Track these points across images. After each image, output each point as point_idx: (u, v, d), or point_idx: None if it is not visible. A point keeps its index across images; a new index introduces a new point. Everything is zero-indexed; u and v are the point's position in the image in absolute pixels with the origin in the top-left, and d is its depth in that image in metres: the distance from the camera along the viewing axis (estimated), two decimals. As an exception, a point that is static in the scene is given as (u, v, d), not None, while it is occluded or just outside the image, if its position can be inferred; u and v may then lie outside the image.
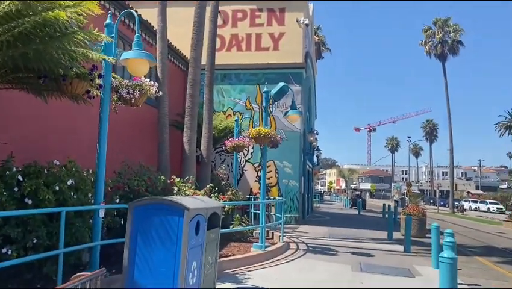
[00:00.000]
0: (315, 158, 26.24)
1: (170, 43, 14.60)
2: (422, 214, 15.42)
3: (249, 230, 10.09)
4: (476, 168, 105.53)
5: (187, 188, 8.34)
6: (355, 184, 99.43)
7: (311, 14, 20.30)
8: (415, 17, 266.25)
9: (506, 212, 45.88)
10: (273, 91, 9.60)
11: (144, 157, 11.20)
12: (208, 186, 8.41)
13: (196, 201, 4.35)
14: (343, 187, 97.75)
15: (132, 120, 11.85)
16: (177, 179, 8.21)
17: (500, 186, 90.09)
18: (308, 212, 22.58)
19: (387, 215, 23.78)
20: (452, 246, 5.60)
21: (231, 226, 10.62)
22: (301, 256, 8.99)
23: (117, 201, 7.06)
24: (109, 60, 5.54)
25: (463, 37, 39.87)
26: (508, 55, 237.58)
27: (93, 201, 5.90)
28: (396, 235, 14.18)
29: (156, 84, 6.32)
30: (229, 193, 8.46)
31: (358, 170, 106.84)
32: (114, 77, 6.08)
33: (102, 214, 5.81)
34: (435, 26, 40.29)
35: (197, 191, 8.15)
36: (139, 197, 7.46)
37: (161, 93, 6.65)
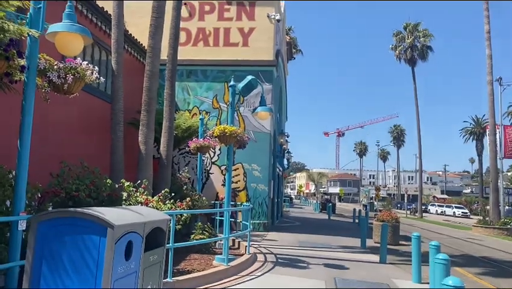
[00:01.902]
0: (285, 161, 25.46)
1: (129, 33, 13.38)
2: (396, 220, 14.79)
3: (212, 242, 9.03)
4: (440, 173, 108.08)
5: (138, 193, 7.21)
6: (324, 188, 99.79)
7: (282, 11, 19.47)
8: (386, 21, 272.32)
9: (471, 217, 46.80)
10: (240, 85, 8.62)
11: (95, 159, 9.95)
12: (163, 191, 7.31)
13: (128, 213, 3.28)
14: (313, 191, 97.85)
15: (81, 115, 10.58)
16: (126, 183, 7.07)
17: (463, 191, 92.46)
18: (278, 218, 21.69)
19: (357, 220, 23.42)
20: (446, 265, 4.75)
21: (192, 236, 9.56)
22: (269, 270, 8.00)
23: (51, 209, 5.84)
24: (33, 34, 4.41)
25: (432, 42, 40.27)
26: (473, 63, 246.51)
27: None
28: (369, 242, 13.46)
29: (96, 68, 5.19)
30: (187, 199, 7.39)
31: (327, 174, 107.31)
32: (42, 58, 4.91)
33: (22, 226, 4.64)
34: (406, 30, 40.52)
35: (150, 198, 7.03)
36: (80, 204, 6.28)
37: (102, 79, 5.52)
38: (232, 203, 14.53)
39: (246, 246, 9.54)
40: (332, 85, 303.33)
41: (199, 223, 9.81)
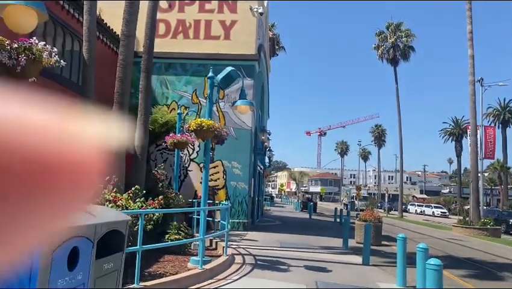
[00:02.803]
0: (266, 159, 25.02)
1: (104, 21, 12.69)
2: (378, 220, 14.52)
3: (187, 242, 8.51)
4: (419, 173, 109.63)
5: (106, 190, 6.64)
6: (306, 187, 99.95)
7: (265, 5, 19.00)
8: (370, 21, 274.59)
9: (450, 216, 47.33)
10: (219, 77, 8.11)
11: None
12: (133, 188, 6.76)
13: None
14: (294, 190, 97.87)
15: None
16: (93, 179, 6.48)
17: (442, 191, 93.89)
18: (258, 217, 21.24)
19: (338, 220, 23.19)
20: (439, 271, 4.37)
21: (167, 236, 9.02)
22: (247, 273, 7.53)
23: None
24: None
25: (414, 42, 40.44)
26: (455, 64, 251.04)
27: None
28: (351, 242, 13.13)
29: (55, 49, 4.63)
30: (160, 198, 6.85)
31: (308, 173, 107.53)
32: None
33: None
34: (388, 30, 40.57)
35: (119, 195, 6.48)
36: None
37: (63, 63, 4.95)
38: (210, 201, 14.04)
39: (224, 247, 9.07)
40: (314, 84, 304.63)
41: (175, 223, 9.28)
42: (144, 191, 7.17)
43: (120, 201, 6.31)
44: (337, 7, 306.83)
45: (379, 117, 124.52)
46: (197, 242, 7.81)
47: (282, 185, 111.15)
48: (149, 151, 14.59)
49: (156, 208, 6.66)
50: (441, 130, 64.81)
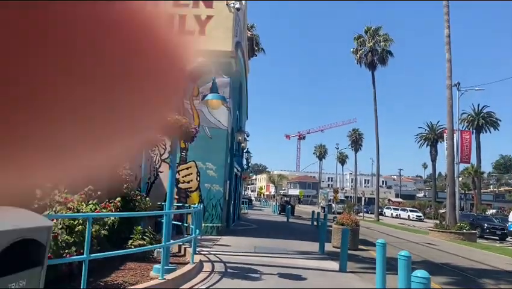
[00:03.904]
0: (244, 161, 24.43)
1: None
2: (355, 224, 14.11)
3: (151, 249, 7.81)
4: (395, 177, 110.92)
5: (57, 191, 5.92)
6: (285, 190, 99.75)
7: (243, 2, 18.44)
8: (349, 24, 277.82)
9: (425, 220, 47.75)
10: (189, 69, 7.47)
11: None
12: (86, 189, 6.06)
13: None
14: (273, 193, 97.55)
15: None
16: (41, 178, 5.75)
17: (417, 195, 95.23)
18: (234, 220, 20.60)
19: (315, 223, 22.79)
20: (427, 284, 3.86)
21: (130, 241, 8.31)
22: (215, 283, 6.89)
23: None
24: None
25: (392, 47, 40.64)
26: (430, 69, 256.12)
27: None
28: (327, 246, 12.66)
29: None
30: (117, 200, 6.15)
31: (287, 176, 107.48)
32: None
33: None
34: (367, 34, 40.66)
35: (69, 196, 5.76)
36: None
37: None
38: (180, 204, 13.35)
39: (192, 254, 8.41)
40: (294, 88, 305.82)
41: (139, 227, 8.56)
42: (99, 192, 6.46)
43: (70, 203, 5.60)
44: (317, 10, 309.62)
45: (356, 122, 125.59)
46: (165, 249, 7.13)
47: (261, 188, 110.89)
48: (117, 150, 13.80)
49: (112, 211, 5.96)
50: (417, 135, 65.71)
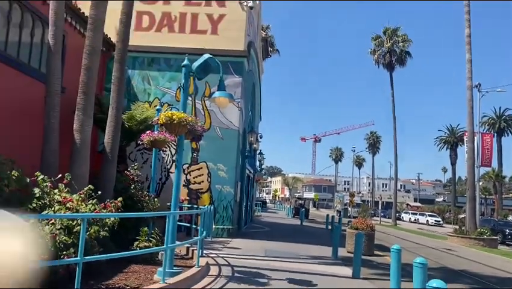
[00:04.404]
0: (257, 163, 24.15)
1: (79, 8, 11.78)
2: (371, 229, 13.66)
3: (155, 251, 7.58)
4: (414, 181, 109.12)
5: (57, 190, 5.73)
6: (300, 193, 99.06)
7: (257, 2, 18.19)
8: (367, 25, 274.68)
9: (444, 225, 46.61)
10: (195, 64, 7.24)
11: (26, 151, 8.42)
12: (85, 188, 5.84)
13: None
14: (288, 195, 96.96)
15: (12, 98, 9.01)
16: (40, 177, 5.57)
17: (436, 199, 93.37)
18: (246, 223, 20.32)
19: (330, 227, 22.32)
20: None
21: (136, 243, 8.11)
22: (220, 288, 6.61)
23: None
24: None
25: (411, 47, 39.86)
26: (450, 70, 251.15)
27: None
28: (341, 251, 12.28)
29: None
30: (117, 200, 5.90)
31: (302, 179, 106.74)
32: None
33: None
34: (385, 35, 39.98)
35: (68, 196, 5.56)
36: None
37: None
38: (189, 205, 13.13)
39: (201, 257, 8.16)
40: (310, 90, 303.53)
41: (145, 229, 8.36)
42: (99, 192, 6.24)
43: (69, 203, 5.40)
44: (335, 10, 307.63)
45: (374, 125, 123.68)
46: (167, 252, 6.88)
47: (276, 191, 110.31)
48: (128, 150, 13.70)
49: (113, 212, 5.73)
50: (436, 138, 64.48)
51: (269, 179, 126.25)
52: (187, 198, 13.87)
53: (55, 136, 7.86)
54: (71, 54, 11.15)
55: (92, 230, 5.31)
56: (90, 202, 5.55)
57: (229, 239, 13.37)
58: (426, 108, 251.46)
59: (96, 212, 5.44)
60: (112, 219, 5.55)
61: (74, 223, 5.29)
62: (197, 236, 10.93)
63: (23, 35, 9.78)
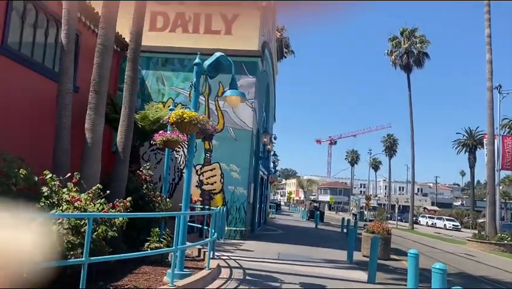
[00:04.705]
0: (271, 164, 23.95)
1: (94, 9, 11.79)
2: (387, 232, 13.33)
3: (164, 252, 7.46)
4: (431, 184, 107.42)
5: (66, 189, 5.65)
6: (315, 196, 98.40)
7: (272, 2, 18.03)
8: (384, 25, 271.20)
9: (462, 230, 45.59)
10: (207, 63, 7.12)
11: (39, 150, 8.41)
12: (94, 187, 5.75)
13: None
14: (303, 198, 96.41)
15: (25, 97, 9.02)
16: (49, 175, 5.49)
17: (454, 204, 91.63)
18: (260, 225, 20.14)
19: (346, 230, 21.96)
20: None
21: (147, 244, 8.02)
22: (230, 291, 6.46)
23: None
24: None
25: (429, 48, 39.17)
26: (469, 72, 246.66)
27: None
28: (357, 255, 12.01)
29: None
30: (126, 200, 5.78)
31: (317, 182, 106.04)
32: None
33: None
34: (402, 35, 39.37)
35: (76, 195, 5.47)
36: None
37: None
38: (201, 206, 13.02)
39: (209, 258, 8.01)
40: (326, 91, 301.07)
41: (156, 229, 8.26)
42: (108, 191, 6.13)
43: (77, 202, 5.31)
44: (351, 10, 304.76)
45: (391, 127, 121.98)
46: (177, 253, 6.75)
47: (290, 193, 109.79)
48: (142, 151, 13.69)
49: (121, 212, 5.62)
50: (454, 141, 63.14)
51: (284, 181, 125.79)
52: (200, 199, 13.77)
53: (67, 135, 7.82)
54: (86, 54, 11.16)
55: (100, 230, 5.20)
56: (98, 202, 5.45)
57: (242, 241, 13.21)
58: (444, 110, 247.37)
59: (104, 211, 5.34)
60: (120, 219, 5.44)
61: (82, 223, 5.19)
62: (209, 237, 10.85)
63: (37, 35, 9.82)
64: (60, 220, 5.08)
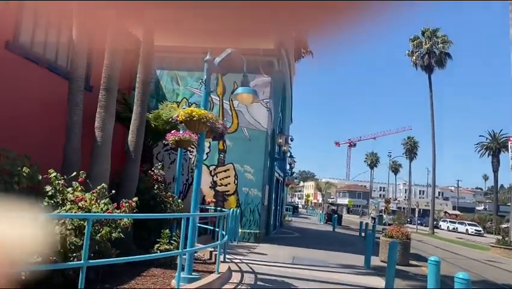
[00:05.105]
0: (287, 166, 23.61)
1: None
2: (406, 237, 12.85)
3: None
4: (452, 188, 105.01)
5: (71, 189, 5.49)
6: (333, 198, 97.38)
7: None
8: (404, 25, 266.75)
9: (485, 235, 44.20)
10: (217, 60, 6.89)
11: (48, 149, 8.32)
12: (99, 187, 5.56)
13: None
14: (320, 201, 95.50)
15: (38, 95, 8.97)
16: (53, 174, 5.34)
17: (477, 208, 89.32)
18: (276, 228, 19.82)
19: (364, 234, 21.45)
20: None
21: (156, 246, 7.83)
22: (239, 297, 6.19)
23: None
24: None
25: (451, 49, 38.18)
26: (492, 74, 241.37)
27: None
28: (374, 260, 11.60)
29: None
30: (132, 200, 5.57)
31: (336, 184, 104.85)
32: None
33: None
34: (423, 35, 38.50)
35: (80, 194, 5.30)
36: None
37: None
38: (213, 208, 12.80)
39: (218, 262, 7.76)
40: (344, 92, 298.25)
41: (166, 231, 8.05)
42: (113, 191, 5.95)
43: (81, 202, 5.13)
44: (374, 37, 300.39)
45: (411, 129, 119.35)
46: (185, 256, 6.53)
47: (308, 196, 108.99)
48: (155, 151, 13.59)
49: (126, 212, 5.43)
50: (477, 144, 61.75)
51: (302, 183, 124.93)
52: (214, 200, 13.56)
53: (77, 134, 7.70)
54: (101, 53, 11.08)
55: (103, 232, 5.01)
56: (102, 202, 5.27)
57: (256, 244, 12.93)
58: (467, 112, 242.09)
59: (108, 212, 5.15)
60: (125, 220, 5.24)
61: (85, 224, 5.00)
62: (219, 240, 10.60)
63: (49, 33, 9.79)
64: (63, 221, 4.91)
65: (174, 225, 9.26)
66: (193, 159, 14.01)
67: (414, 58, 38.67)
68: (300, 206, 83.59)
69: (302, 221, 35.86)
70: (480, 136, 73.98)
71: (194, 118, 6.20)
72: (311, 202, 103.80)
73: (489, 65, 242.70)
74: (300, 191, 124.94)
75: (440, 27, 38.82)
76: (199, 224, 10.18)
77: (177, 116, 6.46)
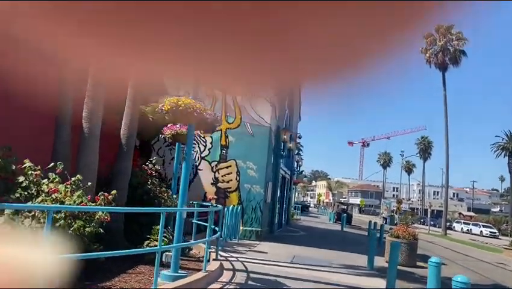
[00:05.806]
0: (295, 164, 23.18)
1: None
2: (413, 237, 12.37)
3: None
4: (467, 189, 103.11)
5: (46, 180, 5.21)
6: (345, 198, 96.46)
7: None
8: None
9: (500, 237, 43.12)
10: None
11: (38, 142, 8.09)
12: (73, 178, 5.26)
13: None
14: (332, 200, 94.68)
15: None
16: (27, 164, 5.07)
17: (492, 210, 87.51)
18: (281, 226, 19.43)
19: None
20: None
21: (146, 242, 7.57)
22: (224, 298, 5.85)
23: None
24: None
25: (466, 46, 37.20)
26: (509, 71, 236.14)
27: None
28: (380, 261, 11.16)
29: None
30: (110, 193, 5.24)
31: (348, 184, 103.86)
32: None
33: None
34: (437, 32, 37.58)
35: (52, 186, 5.01)
36: None
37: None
38: (209, 204, 12.46)
39: (214, 259, 7.46)
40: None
41: (157, 227, 7.76)
42: (89, 183, 5.67)
43: (55, 194, 4.85)
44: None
45: (426, 129, 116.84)
46: (170, 253, 6.21)
47: (319, 195, 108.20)
48: (157, 146, 13.37)
49: (102, 205, 5.13)
50: (493, 144, 60.35)
51: (313, 182, 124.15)
52: (215, 197, 13.24)
53: (68, 128, 7.45)
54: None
55: (76, 226, 4.72)
56: (76, 194, 4.98)
57: (257, 242, 12.59)
58: (483, 112, 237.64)
59: (82, 205, 4.85)
60: (100, 213, 4.94)
61: (58, 217, 4.73)
62: (221, 238, 10.27)
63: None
64: (33, 213, 4.64)
65: (171, 221, 8.97)
66: (194, 155, 13.72)
67: (427, 55, 37.79)
68: (311, 205, 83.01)
69: (311, 220, 35.39)
70: (496, 136, 72.45)
71: (180, 108, 5.89)
72: (323, 201, 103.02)
73: (506, 65, 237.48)
74: (312, 190, 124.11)
75: (454, 24, 37.63)
76: (198, 222, 9.92)
77: (163, 105, 6.14)
